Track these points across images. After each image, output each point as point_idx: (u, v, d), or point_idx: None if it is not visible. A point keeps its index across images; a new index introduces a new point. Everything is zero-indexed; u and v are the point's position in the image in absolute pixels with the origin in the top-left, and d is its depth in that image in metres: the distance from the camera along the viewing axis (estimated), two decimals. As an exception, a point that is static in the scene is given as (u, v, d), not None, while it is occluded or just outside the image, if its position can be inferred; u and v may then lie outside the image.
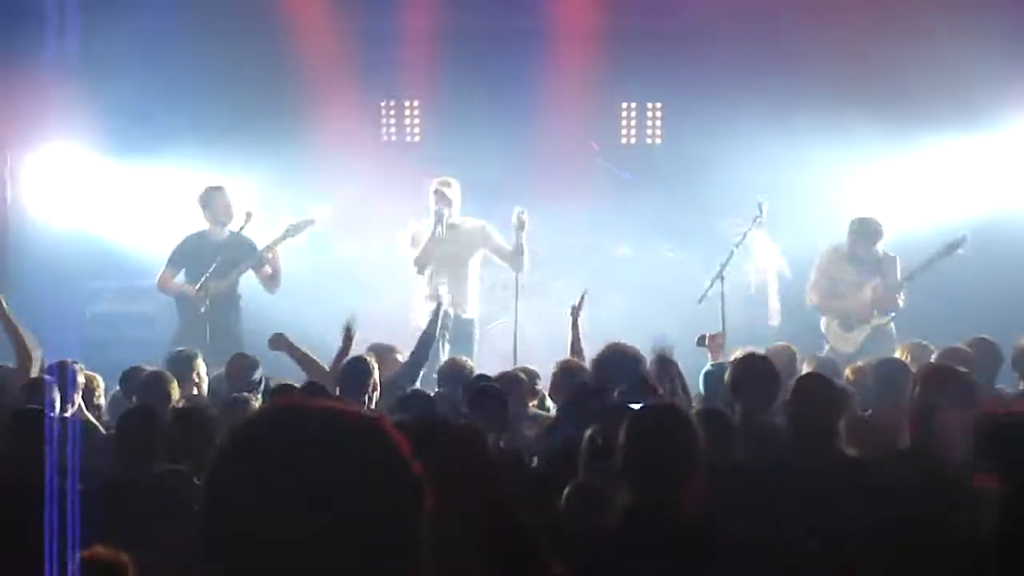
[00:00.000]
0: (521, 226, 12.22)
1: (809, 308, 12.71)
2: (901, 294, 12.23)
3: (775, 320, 14.07)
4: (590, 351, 9.43)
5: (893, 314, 12.27)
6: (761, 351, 9.14)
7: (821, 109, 13.99)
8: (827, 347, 12.28)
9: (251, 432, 2.20)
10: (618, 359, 8.19)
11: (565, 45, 15.17)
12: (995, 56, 13.03)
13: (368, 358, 9.04)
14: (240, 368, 9.42)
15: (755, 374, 7.21)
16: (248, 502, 2.10)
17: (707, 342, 10.16)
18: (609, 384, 7.68)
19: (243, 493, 2.11)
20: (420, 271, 12.66)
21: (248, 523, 2.09)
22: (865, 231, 12.27)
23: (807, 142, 14.04)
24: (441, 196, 12.61)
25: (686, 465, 4.93)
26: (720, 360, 9.65)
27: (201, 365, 9.80)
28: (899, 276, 12.28)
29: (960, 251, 12.05)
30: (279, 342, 9.97)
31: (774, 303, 14.37)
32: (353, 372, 8.85)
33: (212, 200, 12.94)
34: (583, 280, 14.77)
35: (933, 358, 9.05)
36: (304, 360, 9.77)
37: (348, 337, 9.80)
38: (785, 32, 14.42)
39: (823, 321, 12.55)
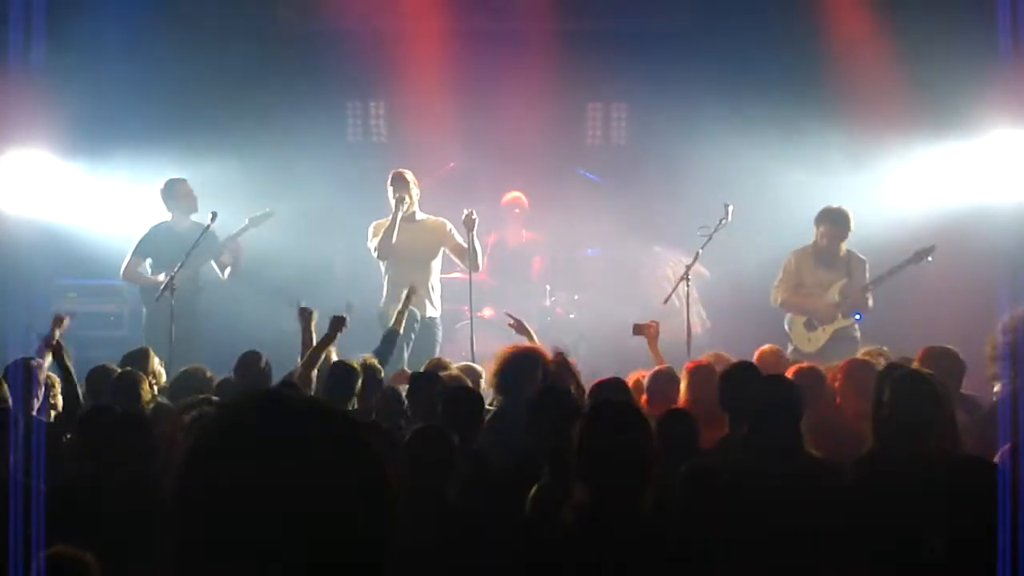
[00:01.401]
0: (471, 226, 12.24)
1: (774, 307, 12.69)
2: (869, 297, 12.25)
3: (697, 328, 14.06)
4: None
5: (859, 317, 12.27)
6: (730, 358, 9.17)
7: (787, 112, 14.07)
8: (791, 347, 12.30)
9: (225, 427, 2.19)
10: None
11: (531, 46, 15.19)
12: (964, 63, 13.08)
13: (356, 366, 9.01)
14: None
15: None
16: (221, 498, 2.09)
17: (644, 331, 10.09)
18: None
19: (216, 489, 2.10)
20: (382, 257, 12.63)
21: (220, 519, 2.09)
22: (834, 220, 12.25)
23: (773, 144, 14.12)
24: (399, 180, 12.63)
25: (642, 464, 4.94)
26: (656, 348, 9.65)
27: (156, 362, 9.74)
28: (867, 279, 12.30)
29: (929, 259, 12.08)
30: (305, 314, 9.86)
31: (697, 310, 14.36)
32: (342, 378, 8.82)
33: (174, 191, 13.17)
34: (547, 279, 14.89)
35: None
36: (308, 341, 9.67)
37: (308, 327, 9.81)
38: (751, 35, 14.47)
39: (787, 319, 12.56)
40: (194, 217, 13.10)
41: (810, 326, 12.34)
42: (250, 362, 9.35)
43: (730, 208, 11.81)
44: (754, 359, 9.44)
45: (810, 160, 14.03)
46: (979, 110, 13.53)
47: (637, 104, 16.00)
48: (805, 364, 9.12)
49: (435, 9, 15.40)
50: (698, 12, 15.19)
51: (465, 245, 12.47)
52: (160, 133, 14.26)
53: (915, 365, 8.55)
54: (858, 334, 12.17)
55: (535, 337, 10.13)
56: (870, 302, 12.27)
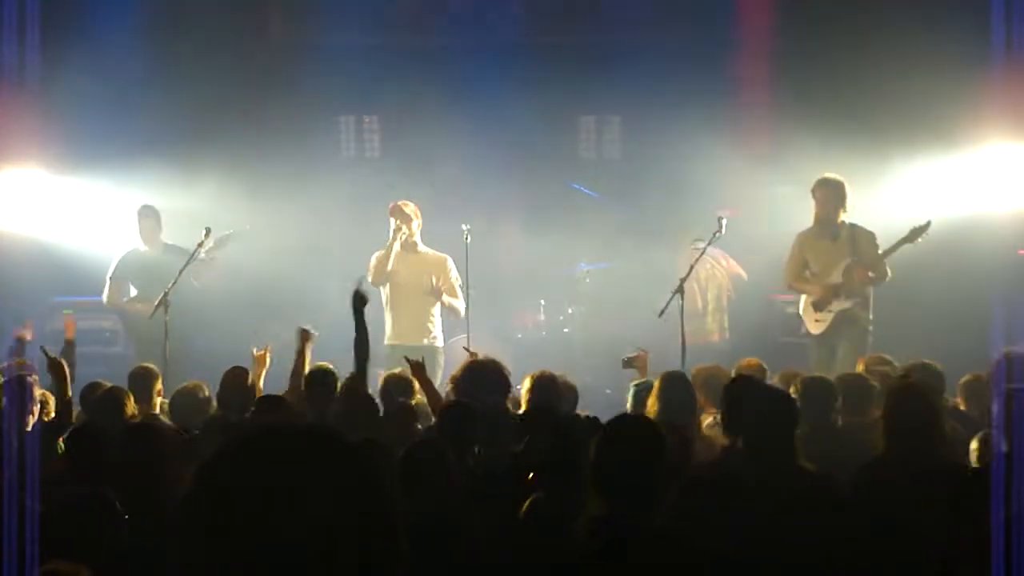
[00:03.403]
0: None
1: (784, 288, 12.64)
2: (887, 268, 11.98)
3: (715, 336, 14.06)
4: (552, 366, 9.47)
5: (858, 299, 12.12)
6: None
7: (780, 126, 14.10)
8: (804, 330, 12.27)
9: (236, 452, 2.24)
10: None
11: (524, 59, 15.21)
12: (956, 76, 13.10)
13: (334, 369, 9.02)
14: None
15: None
16: (233, 516, 2.14)
17: (634, 363, 10.03)
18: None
19: (228, 508, 2.15)
20: (375, 283, 12.67)
21: (224, 549, 2.13)
22: (826, 184, 12.10)
23: (766, 158, 14.14)
24: (397, 211, 12.74)
25: (657, 476, 4.96)
26: (647, 378, 9.51)
27: (159, 382, 9.75)
28: (877, 251, 12.03)
29: (926, 235, 11.83)
30: (306, 336, 9.82)
31: (719, 318, 14.36)
32: (321, 383, 8.85)
33: (141, 219, 13.30)
34: (541, 295, 14.91)
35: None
36: (300, 364, 9.68)
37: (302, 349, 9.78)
38: (744, 49, 14.51)
39: (801, 302, 12.43)
40: (165, 239, 13.22)
41: (819, 306, 12.18)
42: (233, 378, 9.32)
43: (724, 221, 11.80)
44: (735, 371, 9.41)
45: (803, 173, 14.04)
46: (972, 124, 13.55)
47: (631, 117, 16.03)
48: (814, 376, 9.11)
49: (427, 23, 15.43)
50: (691, 26, 15.22)
51: (457, 293, 12.72)
52: (153, 149, 14.29)
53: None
54: (864, 314, 12.03)
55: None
56: (888, 272, 12.04)
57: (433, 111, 14.93)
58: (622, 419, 5.43)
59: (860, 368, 9.83)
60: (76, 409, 9.15)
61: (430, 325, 12.78)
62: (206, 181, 14.27)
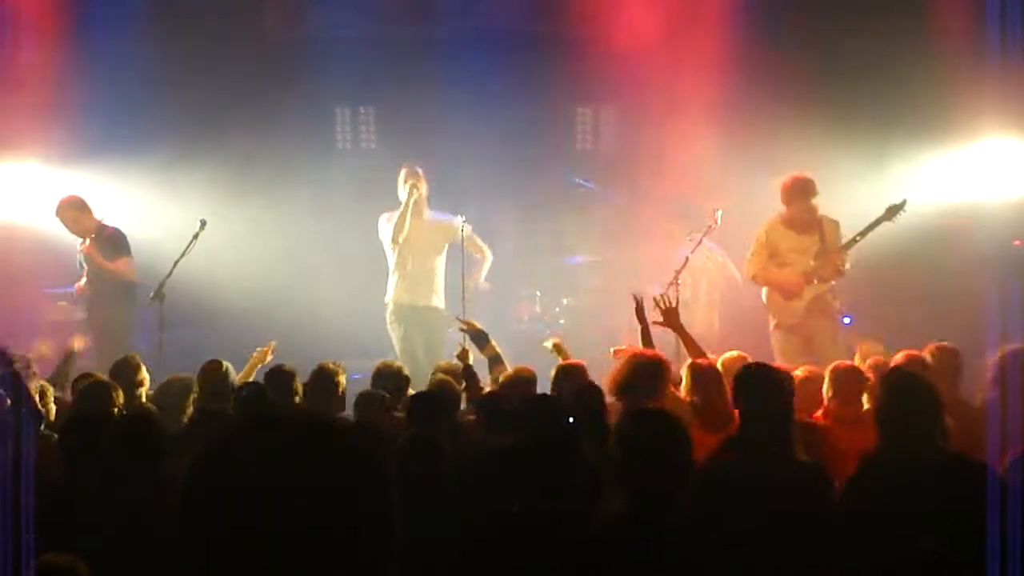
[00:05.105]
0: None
1: (749, 281, 12.56)
2: (845, 260, 11.89)
3: (706, 328, 14.04)
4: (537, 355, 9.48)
5: (848, 321, 12.16)
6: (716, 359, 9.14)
7: (773, 116, 14.08)
8: (772, 322, 12.15)
9: (229, 444, 2.24)
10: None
11: (519, 51, 15.19)
12: (951, 69, 13.11)
13: (288, 367, 9.00)
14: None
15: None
16: (228, 508, 2.14)
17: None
18: None
19: (223, 500, 2.16)
20: (395, 241, 12.91)
21: (228, 527, 2.14)
22: (798, 185, 12.07)
23: (760, 149, 14.13)
24: (412, 173, 13.00)
25: (681, 471, 4.95)
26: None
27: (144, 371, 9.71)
28: (840, 240, 11.89)
29: (903, 213, 11.74)
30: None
31: (710, 312, 14.36)
32: (279, 380, 8.84)
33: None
34: (537, 287, 14.92)
35: (893, 360, 8.98)
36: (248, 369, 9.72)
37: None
38: (739, 39, 14.50)
39: (763, 293, 12.37)
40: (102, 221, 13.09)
41: (788, 296, 12.08)
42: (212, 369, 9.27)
43: (718, 212, 11.79)
44: (720, 364, 9.35)
45: (800, 165, 14.05)
46: (968, 117, 13.54)
47: (626, 108, 16.01)
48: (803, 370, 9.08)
49: (423, 15, 15.42)
50: (690, 18, 15.22)
51: (480, 243, 13.21)
52: (149, 142, 14.29)
53: (926, 356, 8.67)
54: (838, 304, 11.99)
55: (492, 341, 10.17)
56: (847, 264, 11.94)
57: (429, 102, 14.95)
58: (645, 413, 5.41)
59: (857, 358, 9.79)
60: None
61: (435, 287, 13.04)
62: (201, 174, 14.26)
